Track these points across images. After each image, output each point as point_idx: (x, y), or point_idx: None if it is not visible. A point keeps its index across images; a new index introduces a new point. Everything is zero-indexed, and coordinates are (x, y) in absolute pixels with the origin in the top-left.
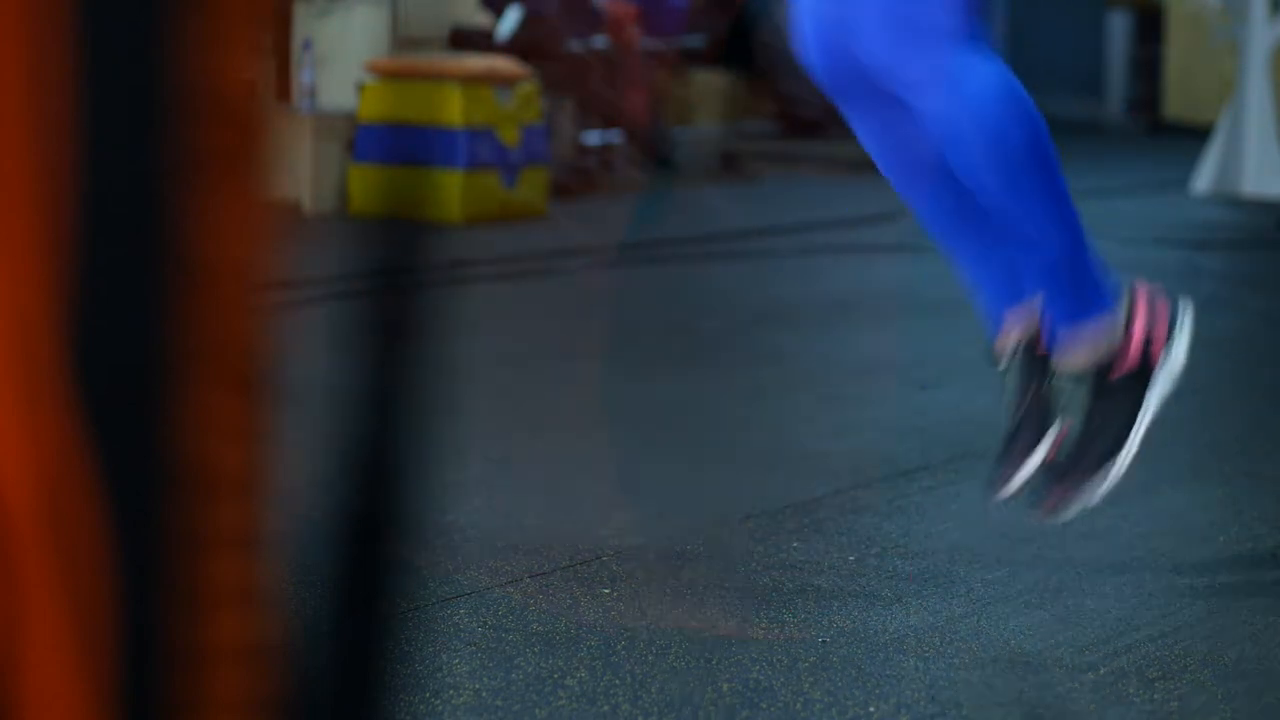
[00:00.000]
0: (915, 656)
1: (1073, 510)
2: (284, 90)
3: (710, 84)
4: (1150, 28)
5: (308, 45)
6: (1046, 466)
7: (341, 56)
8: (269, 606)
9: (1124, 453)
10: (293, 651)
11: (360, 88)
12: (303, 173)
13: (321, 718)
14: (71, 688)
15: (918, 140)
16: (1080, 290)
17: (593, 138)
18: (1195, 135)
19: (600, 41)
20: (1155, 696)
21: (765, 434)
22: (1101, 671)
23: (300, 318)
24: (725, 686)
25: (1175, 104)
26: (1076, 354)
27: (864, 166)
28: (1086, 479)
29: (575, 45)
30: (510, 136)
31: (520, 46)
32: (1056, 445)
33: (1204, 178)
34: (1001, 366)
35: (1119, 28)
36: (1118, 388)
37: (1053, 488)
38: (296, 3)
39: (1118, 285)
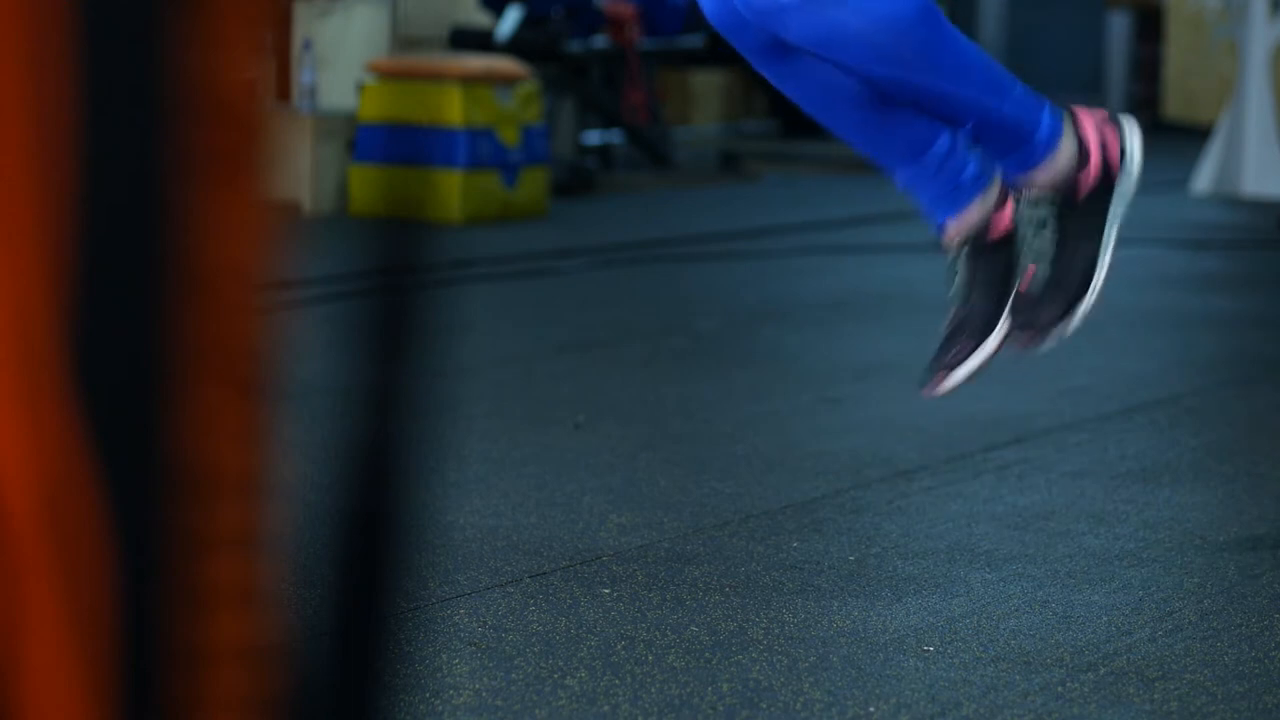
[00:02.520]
0: (915, 656)
1: (1054, 337)
2: (284, 90)
3: (710, 84)
4: (1150, 28)
5: (308, 45)
6: (1019, 300)
7: (341, 56)
8: (269, 606)
9: (1100, 268)
10: (293, 651)
11: (360, 88)
12: (303, 173)
13: (321, 718)
14: (71, 688)
15: (815, 71)
16: (1019, 138)
17: (593, 138)
18: (1195, 135)
19: (600, 41)
20: (1155, 696)
21: (765, 434)
22: (1101, 671)
23: (300, 318)
24: (725, 687)
25: (1175, 104)
26: (1038, 182)
27: (864, 166)
28: (1069, 301)
29: (575, 45)
30: (510, 136)
31: (520, 46)
32: (1027, 280)
33: (1204, 178)
34: (950, 258)
35: (1119, 28)
36: (1083, 209)
37: (1033, 316)
38: (296, 3)
39: (1059, 112)
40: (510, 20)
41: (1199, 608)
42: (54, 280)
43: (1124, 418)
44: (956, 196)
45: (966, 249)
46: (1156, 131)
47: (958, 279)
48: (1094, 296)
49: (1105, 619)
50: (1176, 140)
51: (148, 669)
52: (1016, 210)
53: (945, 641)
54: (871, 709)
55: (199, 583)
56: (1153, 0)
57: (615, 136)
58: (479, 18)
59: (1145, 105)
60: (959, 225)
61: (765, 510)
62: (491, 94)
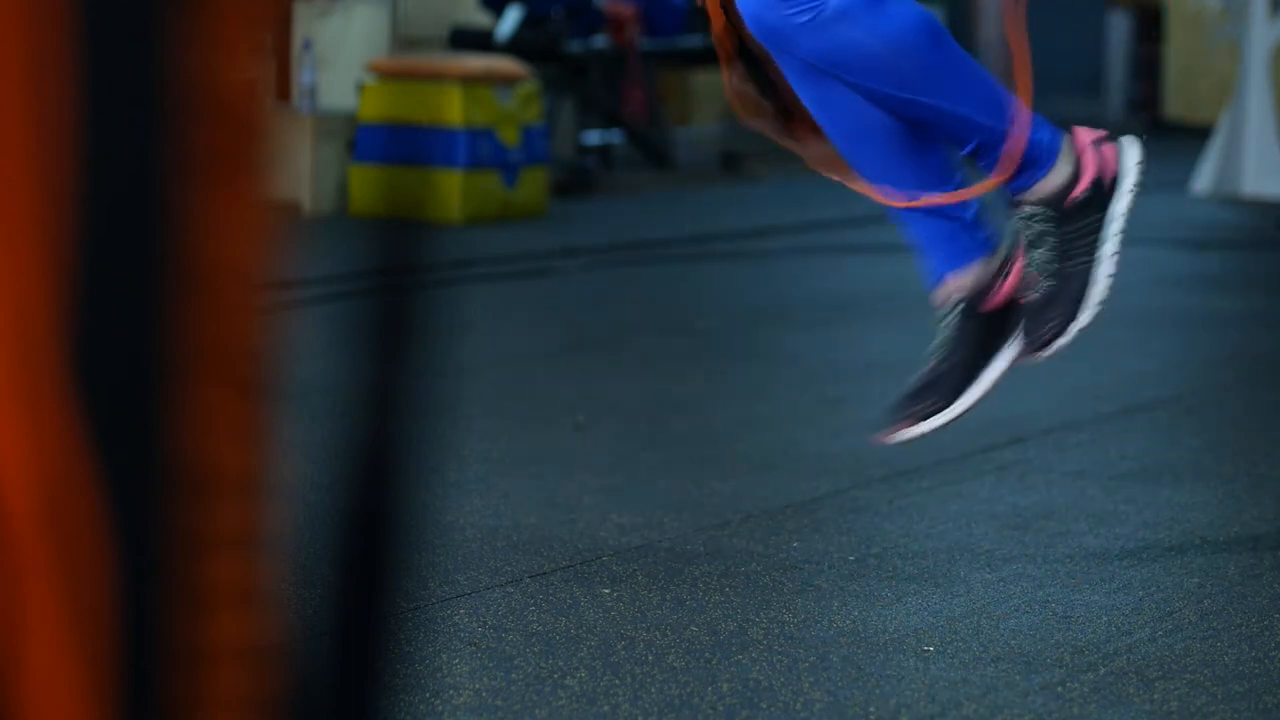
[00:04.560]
0: (915, 656)
1: (1063, 342)
2: (284, 90)
3: (710, 84)
4: (1150, 28)
5: (308, 45)
6: (1023, 310)
7: (341, 56)
8: (269, 606)
9: (1095, 283)
10: (293, 651)
11: (360, 88)
12: (303, 173)
13: (321, 718)
14: (71, 688)
15: (850, 99)
16: (1027, 154)
17: (593, 138)
18: (1195, 135)
19: (600, 41)
20: (1155, 696)
21: (765, 434)
22: (1101, 671)
23: (300, 318)
24: (725, 686)
25: (1175, 104)
26: (1033, 198)
27: None
28: (1067, 314)
29: (575, 45)
30: (510, 136)
31: (520, 46)
32: (1027, 284)
33: (1204, 178)
34: (940, 315)
35: (1119, 28)
36: (1078, 226)
37: (1036, 324)
38: (296, 3)
39: (1058, 132)
40: (510, 20)
41: (1199, 608)
42: (54, 280)
43: (1124, 418)
44: (965, 254)
45: (960, 309)
46: (1156, 131)
47: (943, 335)
48: (1093, 311)
49: (1105, 619)
50: (1176, 140)
51: (148, 669)
52: (1021, 269)
53: (945, 641)
54: (871, 709)
55: (199, 583)
56: (1153, 0)
57: (615, 136)
58: (479, 18)
59: (1145, 105)
60: (959, 282)
61: (765, 510)
62: (491, 94)
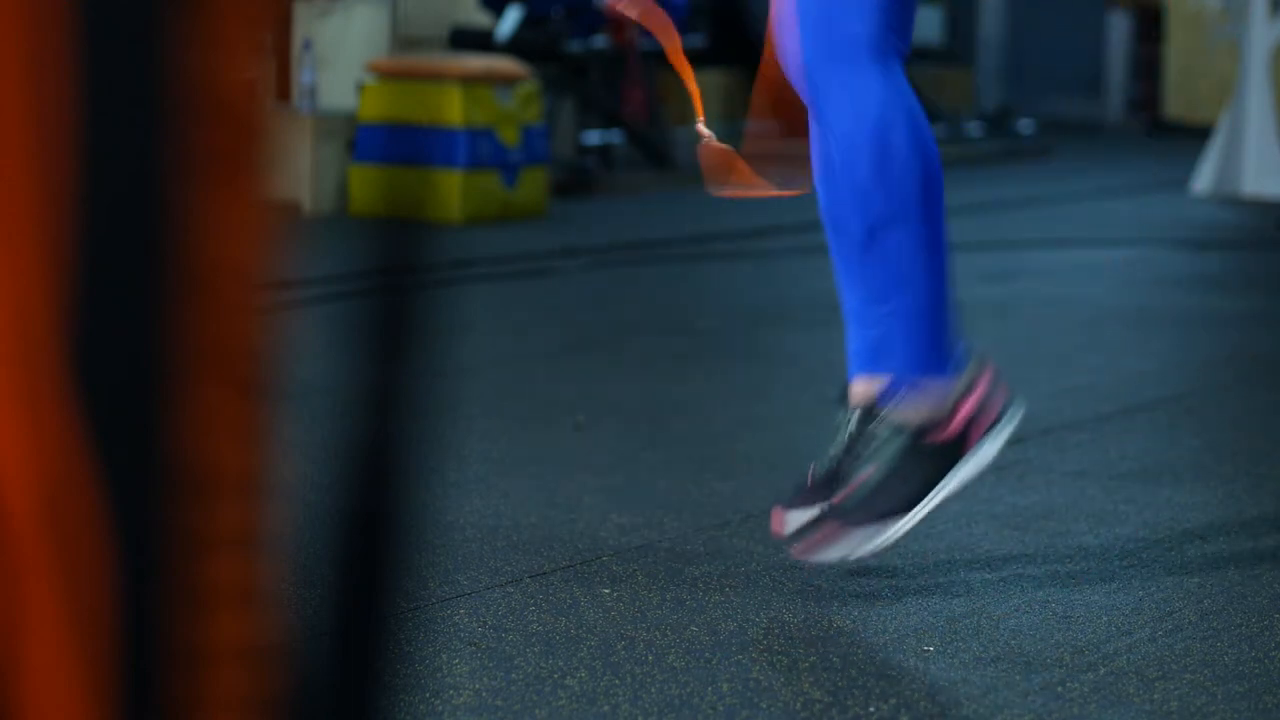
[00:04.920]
0: (915, 656)
1: (832, 555)
2: (284, 90)
3: (710, 84)
4: (1150, 28)
5: (308, 45)
6: (830, 506)
7: (341, 56)
8: (269, 606)
9: (907, 518)
10: (293, 651)
11: (360, 88)
12: (303, 173)
13: (321, 718)
14: (71, 688)
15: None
16: (929, 346)
17: (593, 138)
18: (1195, 135)
19: (600, 41)
20: (1155, 696)
21: (765, 434)
22: (1101, 671)
23: (300, 318)
24: (725, 687)
25: (1175, 104)
26: (906, 407)
27: None
28: (861, 529)
29: (575, 45)
30: (510, 136)
31: (520, 46)
32: (850, 489)
33: (1204, 178)
34: (844, 412)
35: (1119, 28)
36: (928, 453)
37: (823, 527)
38: (296, 3)
39: (964, 354)
40: (510, 20)
41: (1199, 608)
42: (54, 280)
43: (1124, 418)
44: (881, 359)
45: (862, 413)
46: (1156, 131)
47: (845, 431)
48: (900, 531)
49: (1105, 619)
50: (1176, 140)
51: (148, 669)
52: (882, 420)
53: (945, 641)
54: (871, 709)
55: (199, 583)
56: (1153, 0)
57: (615, 136)
58: (479, 18)
59: (1145, 105)
60: (868, 387)
61: (765, 510)
62: (491, 94)
